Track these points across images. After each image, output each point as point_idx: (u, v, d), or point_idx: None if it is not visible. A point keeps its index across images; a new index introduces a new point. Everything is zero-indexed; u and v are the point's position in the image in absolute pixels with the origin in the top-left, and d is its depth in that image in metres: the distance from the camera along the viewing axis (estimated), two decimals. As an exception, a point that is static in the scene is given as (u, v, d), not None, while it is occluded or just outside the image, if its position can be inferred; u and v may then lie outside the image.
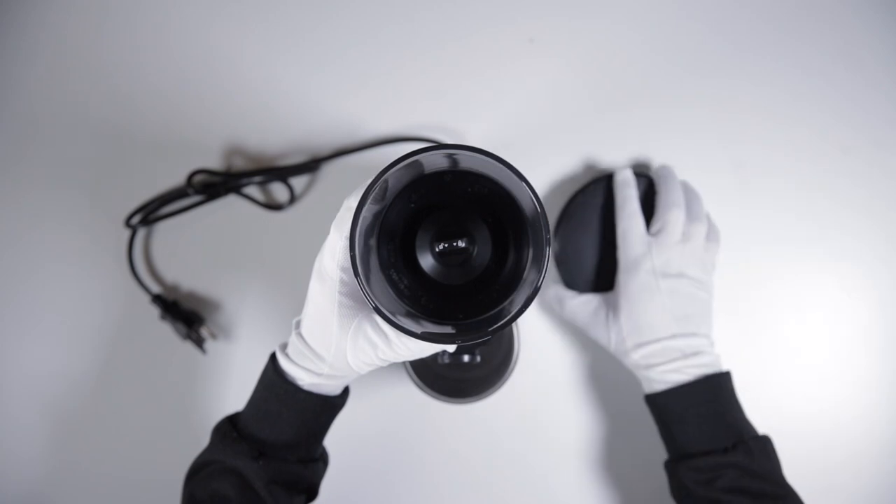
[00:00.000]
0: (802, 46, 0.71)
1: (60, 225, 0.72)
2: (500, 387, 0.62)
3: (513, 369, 0.62)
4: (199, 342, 0.70)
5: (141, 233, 0.72)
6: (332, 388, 0.53)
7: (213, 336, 0.70)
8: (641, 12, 0.72)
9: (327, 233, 0.46)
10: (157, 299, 0.70)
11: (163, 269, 0.73)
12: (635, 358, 0.61)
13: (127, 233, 0.72)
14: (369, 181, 0.41)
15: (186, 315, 0.70)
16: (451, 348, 0.50)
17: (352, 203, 0.43)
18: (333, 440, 0.67)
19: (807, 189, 0.71)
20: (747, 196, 0.71)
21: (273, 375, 0.53)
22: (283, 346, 0.53)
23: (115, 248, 0.72)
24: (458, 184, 0.44)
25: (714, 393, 0.59)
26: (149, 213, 0.71)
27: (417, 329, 0.40)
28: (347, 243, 0.41)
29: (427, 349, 0.48)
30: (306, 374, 0.51)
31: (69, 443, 0.72)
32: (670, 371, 0.60)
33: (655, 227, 0.63)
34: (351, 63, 0.72)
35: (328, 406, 0.53)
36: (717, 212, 0.70)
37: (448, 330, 0.41)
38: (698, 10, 0.72)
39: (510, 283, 0.43)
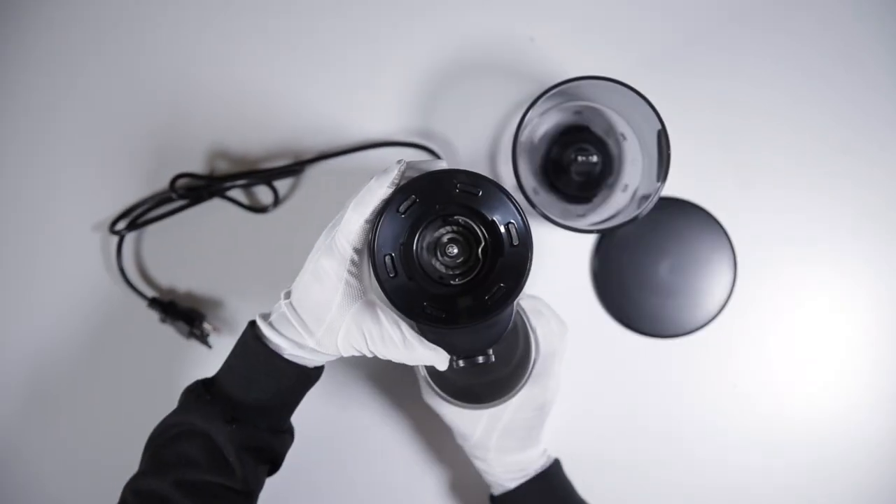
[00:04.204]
0: (803, 48, 0.71)
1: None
2: (517, 391, 0.61)
3: (530, 373, 0.61)
4: (202, 338, 0.70)
5: (128, 240, 0.71)
6: (310, 361, 0.53)
7: (217, 329, 0.70)
8: (641, 13, 0.71)
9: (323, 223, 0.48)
10: (154, 302, 0.70)
11: (155, 274, 0.72)
12: (494, 464, 0.61)
13: (113, 240, 0.71)
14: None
15: (185, 313, 0.70)
16: (443, 364, 0.51)
17: (373, 185, 0.47)
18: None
19: (807, 190, 0.71)
20: (748, 197, 0.71)
21: (253, 341, 0.52)
22: (265, 316, 0.53)
23: (101, 255, 0.72)
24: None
25: (555, 481, 0.63)
26: (137, 218, 0.70)
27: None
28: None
29: (416, 359, 0.50)
30: (288, 345, 0.51)
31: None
32: (518, 471, 0.62)
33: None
34: (336, 66, 0.72)
35: (305, 377, 0.54)
36: (717, 212, 0.71)
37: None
38: (698, 12, 0.71)
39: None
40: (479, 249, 0.47)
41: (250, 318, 0.70)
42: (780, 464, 0.71)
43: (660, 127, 0.60)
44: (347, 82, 0.72)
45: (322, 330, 0.50)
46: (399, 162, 0.47)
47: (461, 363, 0.55)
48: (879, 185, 0.71)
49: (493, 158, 0.71)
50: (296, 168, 0.71)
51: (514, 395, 0.60)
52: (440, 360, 0.50)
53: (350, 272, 0.48)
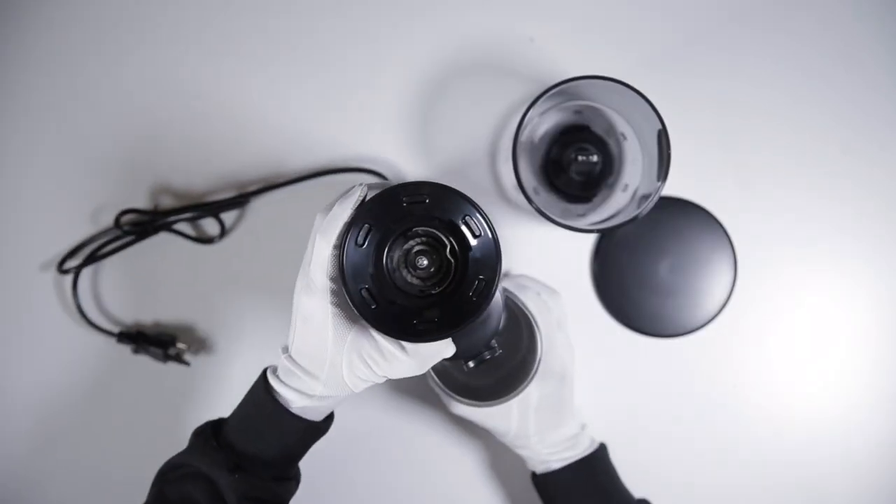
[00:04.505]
0: (803, 48, 0.71)
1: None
2: (535, 371, 0.62)
3: (540, 350, 0.62)
4: (178, 358, 0.70)
5: (82, 280, 0.72)
6: (322, 409, 0.53)
7: (189, 347, 0.71)
8: (641, 13, 0.71)
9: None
10: (123, 336, 0.71)
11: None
12: (538, 448, 0.62)
13: (65, 281, 0.72)
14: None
15: (156, 339, 0.70)
16: (450, 351, 0.50)
17: (337, 211, 0.46)
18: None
19: (807, 190, 0.71)
20: (748, 197, 0.71)
21: (263, 393, 0.52)
22: (275, 368, 0.53)
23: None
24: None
25: (600, 467, 0.63)
26: (88, 257, 0.70)
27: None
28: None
29: (425, 362, 0.49)
30: (298, 397, 0.51)
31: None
32: (565, 451, 0.62)
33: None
34: (336, 66, 0.72)
35: (312, 431, 0.54)
36: (717, 213, 0.71)
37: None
38: (698, 12, 0.71)
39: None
40: (447, 252, 0.47)
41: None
42: (780, 463, 0.71)
43: (660, 127, 0.60)
44: (347, 82, 0.72)
45: (325, 371, 0.49)
46: (361, 185, 0.47)
47: (471, 364, 0.56)
48: (879, 185, 0.71)
49: (493, 158, 0.71)
50: (240, 200, 0.71)
51: (532, 376, 0.61)
52: (446, 347, 0.50)
53: (333, 303, 0.47)
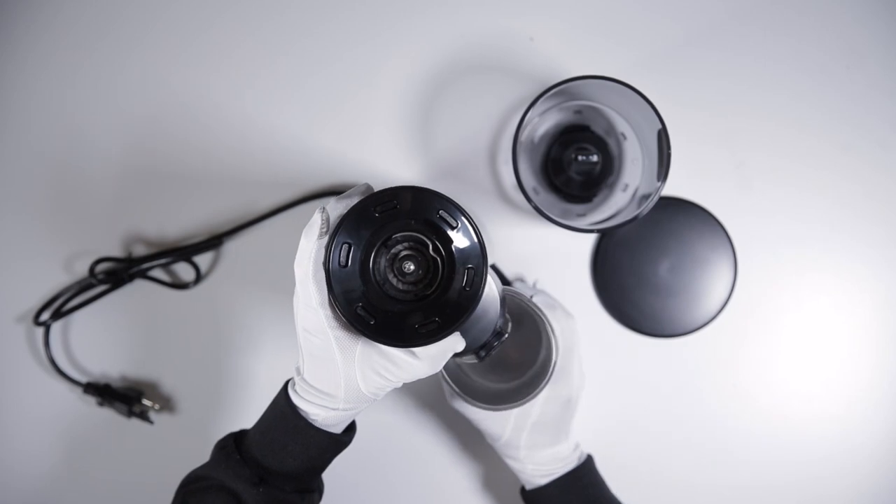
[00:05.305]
0: (803, 47, 0.71)
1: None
2: (543, 387, 0.61)
3: (553, 368, 0.61)
4: (143, 415, 0.71)
5: (55, 329, 0.72)
6: (346, 417, 0.53)
7: (156, 404, 0.71)
8: (640, 13, 0.71)
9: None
10: (90, 387, 0.70)
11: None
12: (526, 462, 0.62)
13: (38, 331, 0.72)
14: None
15: (122, 394, 0.70)
16: (460, 345, 0.51)
17: (303, 244, 0.47)
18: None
19: (807, 189, 0.71)
20: (748, 196, 0.71)
21: (285, 407, 0.52)
22: (294, 382, 0.53)
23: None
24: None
25: (587, 479, 0.63)
26: (60, 307, 0.70)
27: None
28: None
29: (437, 361, 0.50)
30: (321, 410, 0.51)
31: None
32: (552, 469, 0.62)
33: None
34: (335, 67, 0.72)
35: (336, 444, 0.54)
36: (717, 212, 0.71)
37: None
38: (697, 12, 0.71)
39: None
40: (430, 251, 0.47)
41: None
42: (780, 463, 0.71)
43: (660, 126, 0.60)
44: (350, 82, 0.72)
45: (342, 388, 0.50)
46: (321, 210, 0.47)
47: (482, 354, 0.56)
48: (879, 185, 0.71)
49: (493, 158, 0.71)
50: (214, 242, 0.70)
51: (539, 391, 0.60)
52: (456, 342, 0.50)
53: (331, 326, 0.48)
